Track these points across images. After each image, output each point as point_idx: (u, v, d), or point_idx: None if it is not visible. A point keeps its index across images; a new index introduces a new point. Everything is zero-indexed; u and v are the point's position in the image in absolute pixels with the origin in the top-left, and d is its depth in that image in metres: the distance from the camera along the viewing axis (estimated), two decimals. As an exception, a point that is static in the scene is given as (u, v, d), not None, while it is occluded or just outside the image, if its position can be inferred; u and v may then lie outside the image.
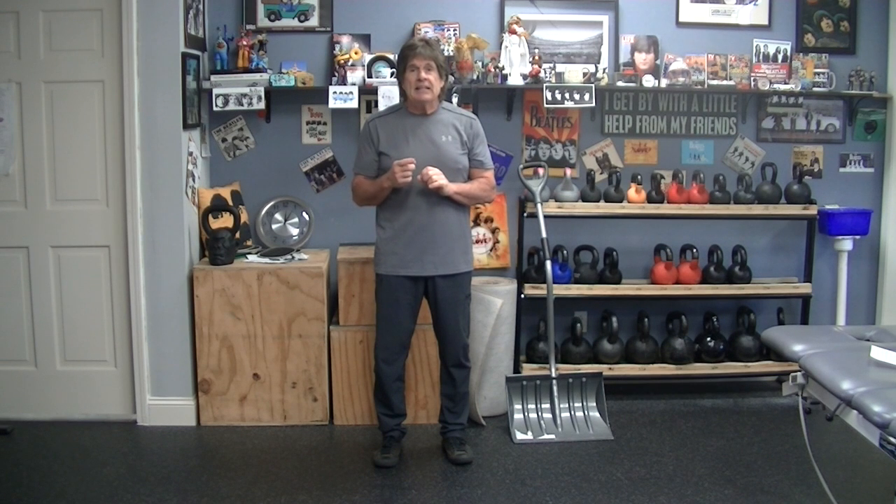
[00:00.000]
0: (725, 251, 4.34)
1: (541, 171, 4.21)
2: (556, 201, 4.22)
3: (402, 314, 3.43)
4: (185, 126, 3.82)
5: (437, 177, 3.25)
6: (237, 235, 3.99)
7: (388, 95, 3.94)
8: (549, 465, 3.47)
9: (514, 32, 4.12)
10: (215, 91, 4.01)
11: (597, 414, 3.87)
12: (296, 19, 4.24)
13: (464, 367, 3.54)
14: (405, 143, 3.34)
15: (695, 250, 4.30)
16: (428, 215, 3.33)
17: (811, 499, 3.12)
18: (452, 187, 3.32)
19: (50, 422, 3.89)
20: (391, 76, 4.05)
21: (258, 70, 4.05)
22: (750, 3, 4.39)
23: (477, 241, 4.39)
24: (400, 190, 3.31)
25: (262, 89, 4.03)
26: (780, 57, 4.37)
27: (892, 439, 2.09)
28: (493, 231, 4.41)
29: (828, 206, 4.42)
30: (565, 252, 4.29)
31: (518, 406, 3.86)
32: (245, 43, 4.09)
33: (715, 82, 4.30)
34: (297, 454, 3.59)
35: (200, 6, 4.03)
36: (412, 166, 3.23)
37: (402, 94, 3.42)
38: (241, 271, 3.82)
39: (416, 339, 3.76)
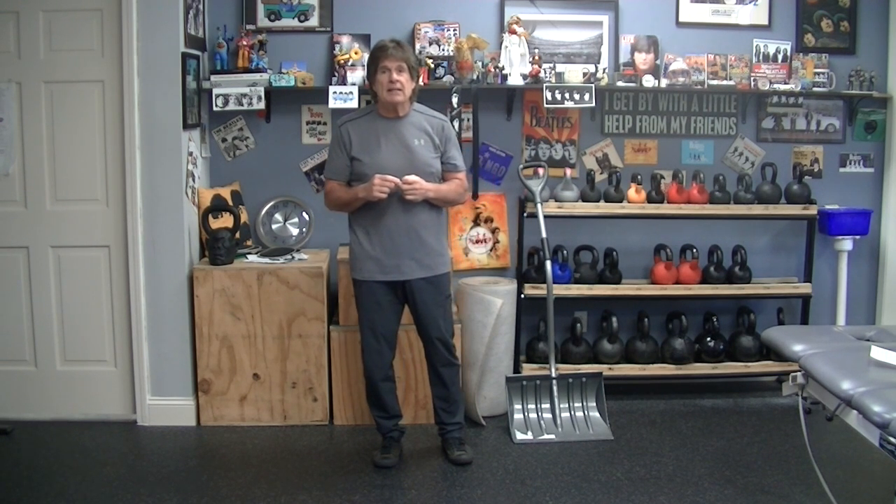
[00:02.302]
0: (725, 251, 4.34)
1: (541, 171, 4.21)
2: (556, 201, 4.22)
3: (386, 317, 3.41)
4: (185, 126, 3.82)
5: (411, 194, 3.21)
6: (237, 235, 3.99)
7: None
8: (549, 465, 3.47)
9: (514, 32, 4.12)
10: (215, 91, 4.01)
11: (597, 414, 3.87)
12: (296, 19, 4.24)
13: (452, 364, 3.51)
14: (377, 147, 3.29)
15: (695, 250, 4.30)
16: (404, 219, 3.29)
17: (811, 499, 3.12)
18: (430, 191, 3.27)
19: (50, 422, 3.89)
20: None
21: (258, 70, 4.05)
22: (750, 3, 4.39)
23: (477, 241, 4.39)
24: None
25: (262, 89, 4.03)
26: (780, 57, 4.37)
27: (892, 439, 2.09)
28: (493, 231, 4.41)
29: (828, 206, 4.42)
30: (565, 252, 4.29)
31: (518, 406, 3.86)
32: (245, 43, 4.09)
33: (715, 82, 4.30)
34: (297, 454, 3.59)
35: (200, 6, 4.03)
36: (391, 186, 3.18)
37: (373, 96, 3.36)
38: (241, 271, 3.82)
39: (416, 339, 3.76)
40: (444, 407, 3.55)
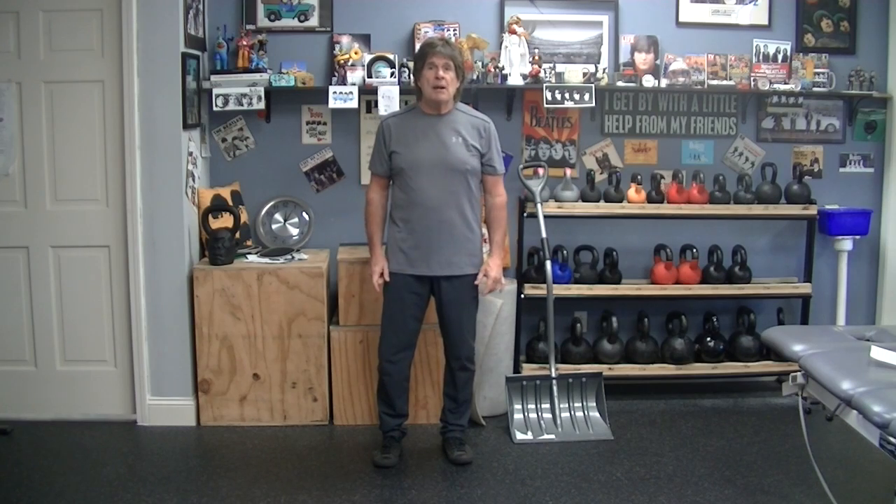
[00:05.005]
0: (725, 251, 4.34)
1: (541, 171, 4.21)
2: (556, 201, 4.23)
3: (407, 314, 3.42)
4: (185, 126, 3.82)
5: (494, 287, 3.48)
6: (237, 235, 3.99)
7: (388, 95, 3.94)
8: (549, 465, 3.47)
9: (514, 32, 4.12)
10: (215, 91, 4.01)
11: (597, 414, 3.87)
12: (296, 19, 4.24)
13: (466, 369, 3.53)
14: (415, 141, 3.32)
15: (695, 250, 4.30)
16: (436, 216, 3.32)
17: (811, 499, 3.12)
18: (497, 263, 3.48)
19: (50, 422, 3.89)
20: (391, 76, 4.05)
21: (258, 70, 4.05)
22: (750, 3, 4.39)
23: (477, 241, 4.39)
24: (414, 189, 3.31)
25: (262, 89, 4.03)
26: (780, 57, 4.37)
27: (892, 439, 2.09)
28: (493, 231, 4.41)
29: (828, 206, 4.42)
30: (565, 252, 4.29)
31: (518, 406, 3.86)
32: (245, 43, 4.09)
33: (715, 82, 4.30)
34: (297, 454, 3.59)
35: (200, 6, 4.03)
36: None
37: (417, 91, 3.40)
38: (241, 271, 3.82)
39: (418, 339, 3.76)
40: (451, 408, 3.57)
